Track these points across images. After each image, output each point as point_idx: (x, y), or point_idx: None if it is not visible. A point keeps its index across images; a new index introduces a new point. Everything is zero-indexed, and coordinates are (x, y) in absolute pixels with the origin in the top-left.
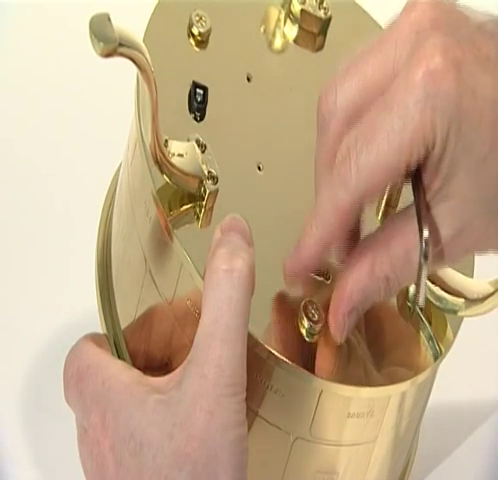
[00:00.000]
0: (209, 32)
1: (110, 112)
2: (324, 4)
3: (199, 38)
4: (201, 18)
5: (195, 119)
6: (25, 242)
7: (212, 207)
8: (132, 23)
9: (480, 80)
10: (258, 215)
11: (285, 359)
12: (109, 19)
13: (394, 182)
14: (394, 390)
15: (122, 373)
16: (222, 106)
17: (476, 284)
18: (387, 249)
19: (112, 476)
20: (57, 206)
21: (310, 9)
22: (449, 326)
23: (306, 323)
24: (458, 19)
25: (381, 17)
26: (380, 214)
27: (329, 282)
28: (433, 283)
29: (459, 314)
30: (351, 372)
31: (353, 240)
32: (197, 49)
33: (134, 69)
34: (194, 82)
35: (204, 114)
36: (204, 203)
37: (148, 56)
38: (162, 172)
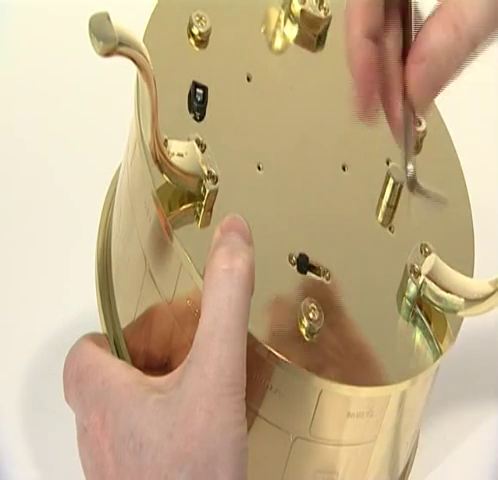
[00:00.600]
0: (209, 32)
1: (110, 112)
2: (324, 4)
3: (199, 38)
4: (201, 18)
5: (195, 119)
6: (25, 242)
7: (212, 207)
8: (132, 23)
9: None
10: (258, 215)
11: (285, 359)
12: (109, 18)
13: None
14: (394, 390)
15: (122, 373)
16: (222, 106)
17: (476, 284)
18: None
19: (112, 476)
20: (57, 206)
21: (310, 9)
22: (449, 326)
23: (306, 323)
24: None
25: None
26: (380, 214)
27: (329, 282)
28: (433, 283)
29: (459, 314)
30: (351, 372)
31: None
32: (197, 49)
33: (134, 69)
34: (194, 82)
35: (204, 114)
36: (204, 203)
37: (148, 55)
38: (162, 172)
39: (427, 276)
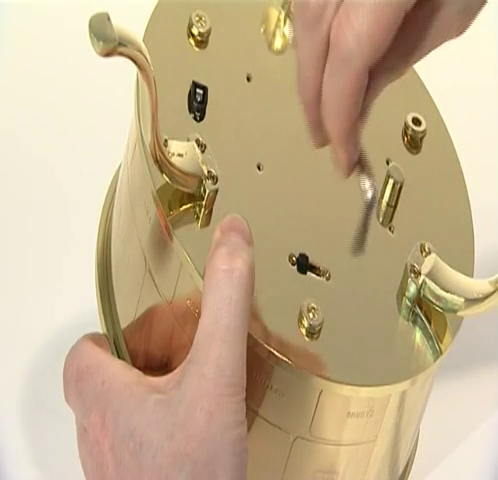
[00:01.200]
0: (209, 32)
1: (110, 112)
2: None
3: (199, 38)
4: (201, 18)
5: (195, 119)
6: (25, 242)
7: (212, 207)
8: (132, 23)
9: None
10: (258, 215)
11: (285, 359)
12: (109, 18)
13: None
14: (394, 390)
15: (122, 373)
16: (222, 106)
17: (476, 283)
18: None
19: (112, 476)
20: (57, 206)
21: None
22: (449, 326)
23: (306, 323)
24: None
25: None
26: (380, 214)
27: (329, 282)
28: (433, 283)
29: (459, 313)
30: (351, 372)
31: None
32: (197, 49)
33: (134, 69)
34: (194, 82)
35: (204, 114)
36: (204, 203)
37: (148, 55)
38: (162, 172)
39: (427, 276)
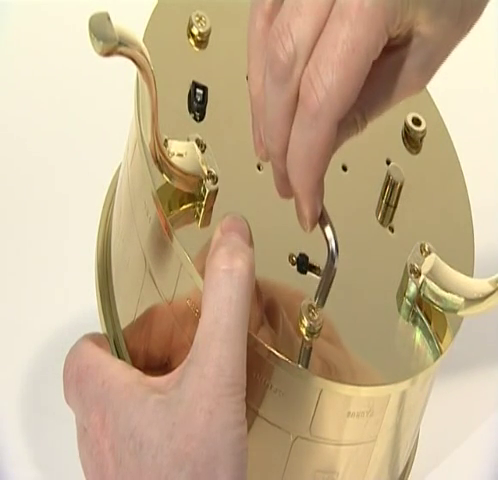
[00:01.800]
0: (209, 32)
1: (110, 112)
2: None
3: (199, 38)
4: (201, 18)
5: (195, 119)
6: (25, 242)
7: (212, 207)
8: (132, 23)
9: None
10: (258, 215)
11: (285, 358)
12: (109, 18)
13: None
14: (394, 389)
15: (122, 373)
16: (222, 106)
17: (476, 283)
18: None
19: (112, 476)
20: (57, 206)
21: None
22: (449, 326)
23: (306, 322)
24: None
25: None
26: (380, 214)
27: None
28: (433, 283)
29: (459, 313)
30: (351, 371)
31: None
32: (197, 49)
33: (134, 69)
34: (194, 82)
35: (204, 114)
36: (204, 203)
37: (148, 55)
38: (162, 172)
39: (427, 276)
